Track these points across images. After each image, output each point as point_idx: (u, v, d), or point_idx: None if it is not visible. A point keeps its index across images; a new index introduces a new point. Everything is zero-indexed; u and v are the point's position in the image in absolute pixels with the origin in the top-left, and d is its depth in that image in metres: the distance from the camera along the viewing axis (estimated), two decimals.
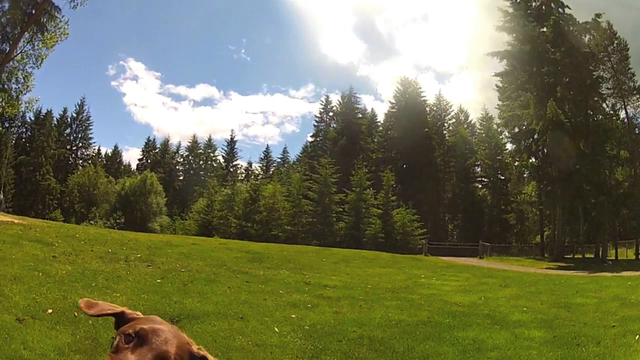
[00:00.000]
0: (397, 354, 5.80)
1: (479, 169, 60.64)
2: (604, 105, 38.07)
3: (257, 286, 10.01)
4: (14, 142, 67.84)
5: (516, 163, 46.00)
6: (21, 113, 59.61)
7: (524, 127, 37.95)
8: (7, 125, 65.75)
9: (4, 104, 23.50)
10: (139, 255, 12.40)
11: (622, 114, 38.71)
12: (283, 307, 8.10)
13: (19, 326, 5.40)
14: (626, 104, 38.13)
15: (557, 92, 34.55)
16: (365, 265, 18.42)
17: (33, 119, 69.61)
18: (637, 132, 38.66)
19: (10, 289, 6.86)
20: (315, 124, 72.31)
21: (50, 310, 6.09)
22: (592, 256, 37.25)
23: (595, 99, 36.71)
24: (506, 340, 6.55)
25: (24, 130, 72.25)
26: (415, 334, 6.86)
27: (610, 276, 17.40)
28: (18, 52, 23.75)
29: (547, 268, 26.24)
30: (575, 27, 36.77)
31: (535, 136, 36.79)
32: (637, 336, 6.51)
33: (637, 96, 38.01)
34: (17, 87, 23.73)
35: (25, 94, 24.06)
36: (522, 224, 56.35)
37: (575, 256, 38.96)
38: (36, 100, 25.33)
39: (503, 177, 56.26)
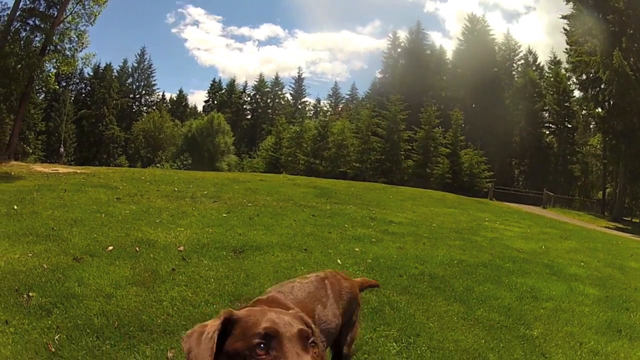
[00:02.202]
0: (456, 293, 5.83)
1: (546, 115, 57.96)
2: None
3: (323, 220, 10.11)
4: (72, 98, 69.72)
5: (583, 112, 44.10)
6: (78, 70, 61.53)
7: (591, 75, 36.24)
8: (64, 84, 67.24)
9: (58, 64, 23.84)
10: (206, 192, 12.69)
11: None
12: (347, 241, 8.19)
13: (76, 265, 5.31)
14: None
15: (622, 43, 32.71)
16: (432, 204, 18.27)
17: (92, 73, 71.27)
18: None
19: (69, 232, 6.87)
20: (384, 60, 70.21)
21: (110, 247, 6.11)
22: None
23: None
24: (562, 293, 6.47)
25: (83, 85, 74.17)
26: (475, 275, 6.88)
27: None
28: (67, 14, 23.73)
29: (605, 227, 25.58)
30: None
31: (602, 86, 35.16)
32: None
33: None
34: (71, 46, 23.90)
35: (80, 51, 24.25)
36: (586, 177, 54.25)
37: (633, 219, 37.87)
38: (93, 55, 25.46)
39: (570, 126, 53.50)
